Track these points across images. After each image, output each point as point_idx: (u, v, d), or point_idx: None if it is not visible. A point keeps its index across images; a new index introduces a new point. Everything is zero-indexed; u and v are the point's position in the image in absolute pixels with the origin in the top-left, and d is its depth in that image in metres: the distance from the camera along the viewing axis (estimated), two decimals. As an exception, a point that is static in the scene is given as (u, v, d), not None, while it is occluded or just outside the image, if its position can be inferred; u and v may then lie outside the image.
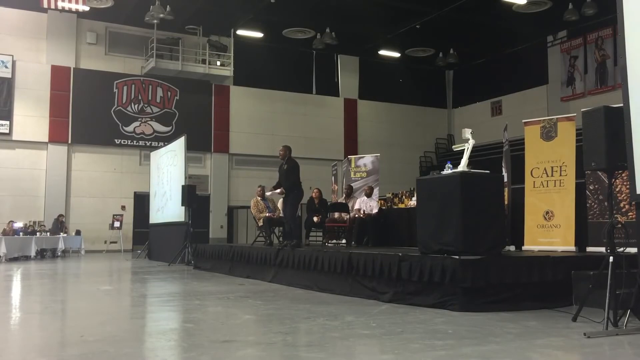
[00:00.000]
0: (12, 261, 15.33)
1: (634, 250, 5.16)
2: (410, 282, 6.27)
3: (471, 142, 6.59)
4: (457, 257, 5.88)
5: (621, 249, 4.89)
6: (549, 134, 8.49)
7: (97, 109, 21.09)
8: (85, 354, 3.86)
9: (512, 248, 8.36)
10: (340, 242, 11.40)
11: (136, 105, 21.89)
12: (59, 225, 18.72)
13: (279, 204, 11.78)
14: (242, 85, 23.35)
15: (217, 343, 4.24)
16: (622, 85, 5.00)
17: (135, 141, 21.73)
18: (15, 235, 16.48)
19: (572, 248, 7.90)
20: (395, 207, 12.71)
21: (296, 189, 9.23)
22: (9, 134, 19.95)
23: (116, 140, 21.43)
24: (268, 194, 9.90)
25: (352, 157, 13.89)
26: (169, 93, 22.33)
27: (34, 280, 10.29)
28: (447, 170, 6.64)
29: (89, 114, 20.91)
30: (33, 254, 16.42)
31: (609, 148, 4.85)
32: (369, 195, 11.58)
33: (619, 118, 4.88)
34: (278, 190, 9.41)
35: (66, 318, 6.01)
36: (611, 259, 4.79)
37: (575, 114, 8.44)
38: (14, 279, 10.40)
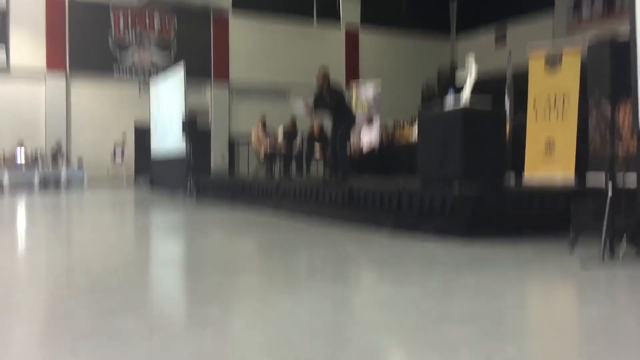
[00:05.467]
0: (15, 192, 15.46)
1: (633, 181, 5.19)
2: (411, 213, 6.34)
3: (474, 67, 6.51)
4: (457, 188, 5.91)
5: (620, 180, 4.91)
6: (553, 64, 8.36)
7: (94, 39, 20.71)
8: (91, 282, 3.94)
9: (513, 174, 8.39)
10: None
11: (133, 35, 21.48)
12: (57, 156, 18.75)
13: (279, 133, 11.76)
14: (242, 7, 22.80)
15: (220, 271, 4.32)
16: (629, 15, 4.88)
17: (133, 71, 21.46)
18: (17, 166, 16.55)
19: (572, 175, 7.94)
20: (397, 136, 12.66)
21: (347, 117, 8.36)
22: (7, 65, 19.72)
23: (114, 70, 21.17)
24: (294, 102, 8.78)
25: (354, 83, 13.76)
26: (167, 23, 21.86)
27: (38, 211, 10.41)
28: (450, 98, 6.58)
29: (85, 44, 20.56)
30: (36, 185, 16.54)
31: (613, 78, 4.80)
32: (369, 124, 11.55)
33: (625, 52, 4.81)
34: (303, 107, 8.39)
35: (71, 248, 6.11)
36: (610, 190, 4.82)
37: (580, 45, 8.28)
38: (18, 210, 10.52)
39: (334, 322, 2.94)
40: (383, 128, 13.11)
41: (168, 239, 6.56)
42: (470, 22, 25.81)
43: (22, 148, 17.31)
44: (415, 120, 11.28)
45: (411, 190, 6.40)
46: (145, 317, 3.02)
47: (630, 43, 4.78)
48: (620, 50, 4.82)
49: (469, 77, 6.53)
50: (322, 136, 11.29)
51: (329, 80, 8.31)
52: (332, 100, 8.14)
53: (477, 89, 6.75)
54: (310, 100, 8.35)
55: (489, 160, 6.27)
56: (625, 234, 4.80)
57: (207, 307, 3.18)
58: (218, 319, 2.97)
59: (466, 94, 6.49)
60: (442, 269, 4.38)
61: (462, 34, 26.55)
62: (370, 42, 25.22)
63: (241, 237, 6.57)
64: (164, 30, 21.83)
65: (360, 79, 15.63)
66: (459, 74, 6.92)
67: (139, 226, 8.15)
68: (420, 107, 9.70)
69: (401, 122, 13.17)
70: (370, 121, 11.60)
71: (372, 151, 11.17)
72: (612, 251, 4.73)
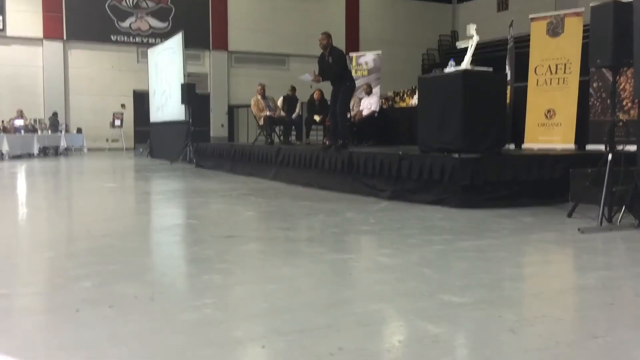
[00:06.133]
0: (15, 159, 15.44)
1: (633, 148, 5.16)
2: (410, 180, 6.33)
3: (475, 38, 6.42)
4: (456, 155, 5.90)
5: (620, 147, 4.89)
6: (555, 30, 8.24)
7: (91, 4, 20.42)
8: (93, 248, 3.96)
9: (512, 147, 8.37)
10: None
11: (131, 2, 21.17)
12: (56, 123, 18.67)
13: (279, 103, 11.69)
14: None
15: (221, 238, 4.33)
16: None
17: (131, 37, 21.23)
18: (17, 133, 16.49)
19: (572, 146, 7.91)
20: (397, 106, 12.60)
21: (347, 80, 8.22)
22: (3, 30, 19.47)
23: (112, 36, 20.94)
24: (303, 77, 8.61)
25: (354, 54, 13.59)
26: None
27: (38, 177, 10.41)
28: (450, 68, 6.53)
29: (82, 9, 20.28)
30: (36, 151, 16.50)
31: (615, 44, 4.73)
32: (368, 93, 11.45)
33: (629, 14, 4.71)
34: (311, 77, 8.30)
35: (72, 214, 6.12)
36: (610, 156, 4.80)
37: (582, 9, 8.16)
38: (19, 176, 10.51)
39: (334, 289, 2.96)
40: (383, 98, 13.02)
41: (168, 206, 6.57)
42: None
43: (22, 114, 17.23)
44: (415, 91, 11.20)
45: (410, 157, 6.39)
46: (146, 283, 3.04)
47: (634, 4, 4.69)
48: (624, 11, 4.74)
49: (470, 48, 6.46)
50: (322, 102, 11.21)
51: (331, 39, 8.22)
52: (334, 62, 8.05)
53: (478, 58, 6.68)
54: (317, 69, 8.28)
55: (489, 125, 6.23)
56: (624, 201, 4.81)
57: (208, 274, 3.20)
58: (219, 286, 2.98)
59: (467, 59, 6.41)
60: (441, 235, 4.39)
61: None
62: (371, 8, 24.88)
63: (241, 204, 6.57)
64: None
65: (361, 51, 15.47)
66: (459, 44, 6.83)
67: (139, 193, 8.15)
68: (421, 76, 9.58)
69: (401, 93, 13.06)
70: (370, 90, 11.50)
71: (371, 115, 11.09)
72: (610, 218, 4.74)
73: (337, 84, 8.14)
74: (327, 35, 8.19)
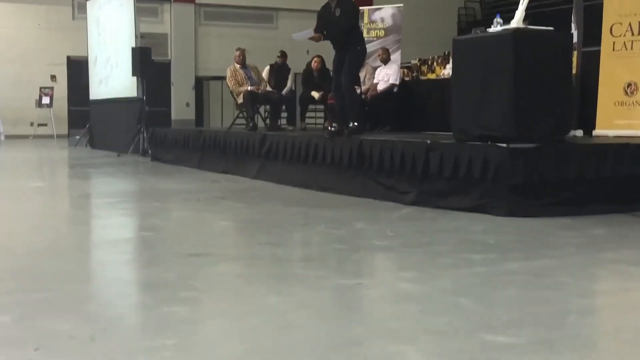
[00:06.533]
0: None
1: None
2: (441, 178, 6.34)
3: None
4: (504, 145, 5.91)
5: None
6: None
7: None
8: (13, 270, 3.96)
9: (580, 133, 8.37)
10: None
11: None
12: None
13: (264, 74, 11.70)
14: None
15: (185, 257, 4.33)
16: None
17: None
18: None
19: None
20: (424, 78, 12.61)
21: (357, 43, 8.17)
22: None
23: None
24: (297, 35, 8.55)
25: (365, 8, 13.57)
26: None
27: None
28: (496, 27, 6.53)
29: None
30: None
31: None
32: (385, 61, 11.45)
33: None
34: (311, 33, 8.22)
35: (-15, 224, 6.13)
36: None
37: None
38: None
39: (338, 325, 2.96)
40: (405, 68, 12.99)
41: (114, 214, 6.57)
42: None
43: None
44: (448, 59, 11.18)
45: (442, 147, 6.39)
46: (84, 317, 3.03)
47: None
48: None
49: (522, 1, 6.47)
50: (323, 73, 11.19)
51: None
52: (342, 16, 7.99)
53: (534, 14, 6.69)
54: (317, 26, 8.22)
55: (548, 103, 6.24)
56: None
57: (168, 305, 3.20)
58: (182, 321, 2.98)
59: (519, 14, 6.41)
60: (483, 253, 4.39)
61: None
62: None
63: (213, 210, 6.58)
64: None
65: (375, 4, 15.41)
66: None
67: (75, 196, 8.15)
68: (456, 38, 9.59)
69: (430, 61, 13.04)
70: (387, 57, 11.47)
71: (389, 90, 11.09)
72: None
73: (344, 46, 8.10)
74: None
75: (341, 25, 8.01)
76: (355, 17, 8.27)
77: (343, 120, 8.28)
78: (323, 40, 8.31)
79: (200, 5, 22.76)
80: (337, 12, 8.04)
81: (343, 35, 8.03)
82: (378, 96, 11.07)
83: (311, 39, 8.30)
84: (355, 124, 8.03)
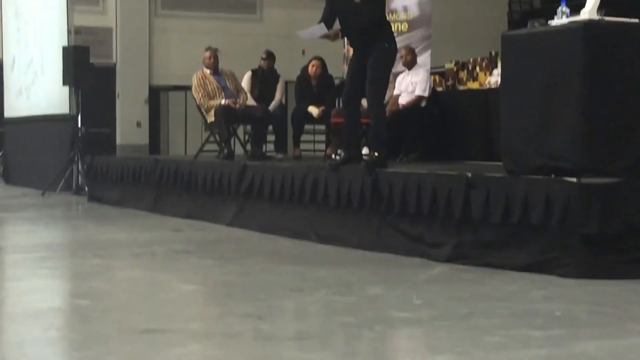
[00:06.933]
0: None
1: None
2: (487, 225, 6.35)
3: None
4: (574, 179, 5.89)
5: None
6: None
7: None
8: None
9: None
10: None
11: None
12: None
13: (245, 83, 11.72)
14: None
15: (135, 334, 4.32)
16: None
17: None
18: None
19: None
20: (462, 87, 12.63)
21: (385, 39, 8.16)
22: None
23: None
24: (305, 33, 8.66)
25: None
26: None
27: None
28: (561, 18, 6.53)
29: None
30: None
31: None
32: (409, 65, 11.47)
33: None
34: (324, 29, 8.21)
35: None
36: None
37: None
38: None
39: None
40: (437, 74, 13.03)
41: (38, 274, 6.55)
42: None
43: None
44: (496, 61, 11.19)
45: (487, 183, 6.40)
46: None
47: None
48: None
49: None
50: (323, 81, 11.21)
51: None
52: (364, 5, 7.89)
53: (612, 1, 6.71)
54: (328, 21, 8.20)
55: (634, 122, 6.25)
56: None
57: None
58: None
59: (592, 1, 6.42)
60: (547, 328, 4.37)
61: None
62: None
63: (174, 270, 6.58)
64: None
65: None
66: None
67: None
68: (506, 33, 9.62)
69: (470, 64, 13.09)
70: (413, 59, 11.50)
71: (416, 103, 11.09)
72: None
73: (366, 45, 8.08)
74: None
75: (364, 16, 7.95)
76: (382, 3, 8.29)
77: (354, 145, 8.28)
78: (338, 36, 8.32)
79: (158, -11, 22.88)
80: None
81: (366, 30, 8.05)
82: (400, 112, 11.03)
83: (324, 37, 8.30)
84: (377, 154, 8.01)
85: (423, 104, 11.24)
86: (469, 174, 6.59)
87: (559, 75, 6.32)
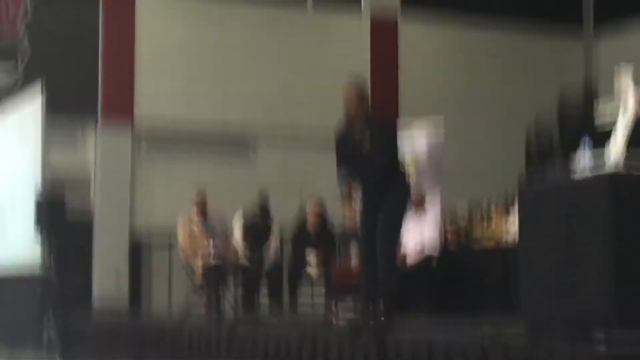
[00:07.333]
0: None
1: None
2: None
3: (634, 93, 6.59)
4: (602, 347, 5.89)
5: None
6: None
7: None
8: None
9: None
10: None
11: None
12: None
13: (236, 231, 11.78)
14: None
15: None
16: None
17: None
18: None
19: None
20: (476, 236, 12.68)
21: (400, 179, 8.44)
22: None
23: None
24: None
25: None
26: (11, 7, 22.38)
27: None
28: (584, 161, 6.62)
29: None
30: None
31: None
32: (418, 210, 11.53)
33: None
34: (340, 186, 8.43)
35: None
36: None
37: None
38: None
39: None
40: (447, 219, 13.12)
41: None
42: (618, 5, 26.43)
43: None
44: (513, 204, 11.30)
45: (508, 342, 6.37)
46: None
47: None
48: None
49: (623, 115, 6.61)
50: (321, 227, 11.31)
51: (368, 105, 8.34)
52: (377, 140, 8.12)
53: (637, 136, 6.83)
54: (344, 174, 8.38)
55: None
56: None
57: None
58: None
59: (618, 145, 6.53)
60: None
61: (607, 26, 27.13)
62: (419, 40, 25.68)
63: None
64: (6, 20, 22.32)
65: (401, 117, 15.69)
66: (603, 107, 7.00)
67: None
68: (523, 174, 9.51)
69: (484, 209, 13.20)
70: (421, 204, 11.60)
71: (424, 261, 11.15)
72: None
73: (380, 188, 8.18)
74: (359, 95, 8.32)
75: (376, 162, 8.13)
76: (394, 142, 8.40)
77: (373, 301, 8.28)
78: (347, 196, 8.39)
79: (142, 129, 22.97)
80: (366, 141, 8.18)
81: (379, 178, 8.17)
82: (411, 268, 11.08)
83: (345, 200, 8.38)
84: (386, 306, 8.08)
85: (434, 264, 11.31)
86: (486, 337, 6.57)
87: (582, 229, 6.41)
